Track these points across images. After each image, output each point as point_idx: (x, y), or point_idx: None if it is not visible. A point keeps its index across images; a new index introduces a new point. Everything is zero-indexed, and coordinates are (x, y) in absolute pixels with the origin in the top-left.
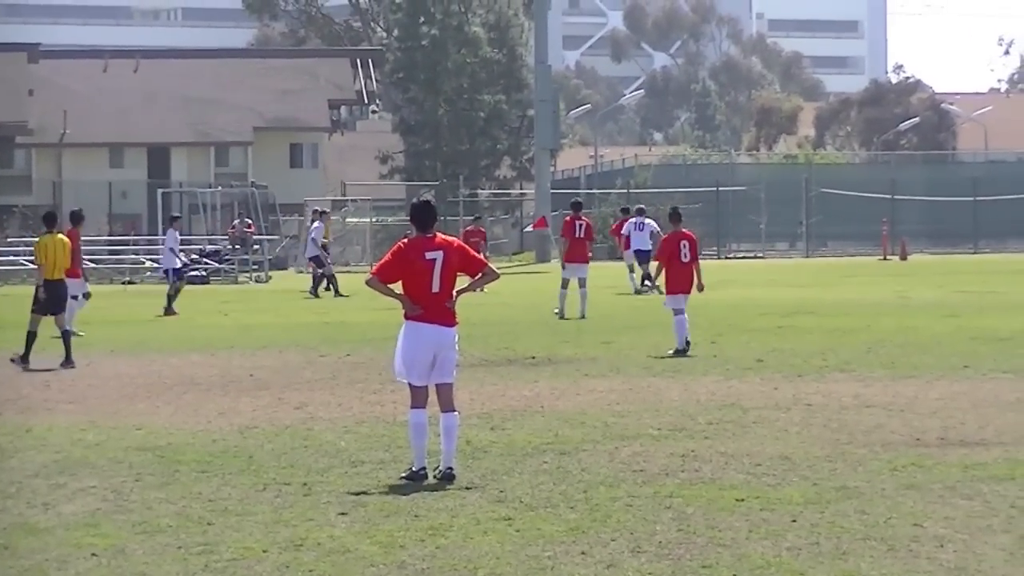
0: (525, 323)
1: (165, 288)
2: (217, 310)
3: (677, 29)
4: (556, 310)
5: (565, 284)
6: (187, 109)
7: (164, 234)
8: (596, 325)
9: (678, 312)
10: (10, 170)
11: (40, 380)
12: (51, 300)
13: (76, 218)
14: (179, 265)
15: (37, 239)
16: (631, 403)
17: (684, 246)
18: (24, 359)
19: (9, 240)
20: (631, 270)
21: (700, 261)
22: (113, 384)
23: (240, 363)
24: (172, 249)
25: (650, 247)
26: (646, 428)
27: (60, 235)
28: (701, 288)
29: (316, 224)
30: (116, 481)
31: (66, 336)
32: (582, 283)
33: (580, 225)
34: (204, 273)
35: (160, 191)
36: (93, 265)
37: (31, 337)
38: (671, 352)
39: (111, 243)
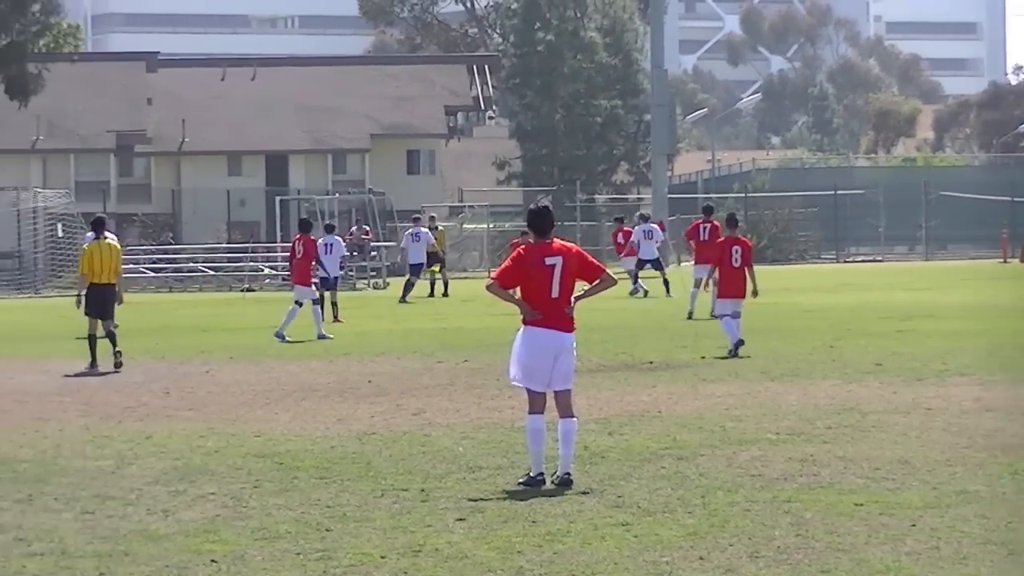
0: (642, 328)
1: (282, 295)
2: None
3: (794, 32)
4: (688, 310)
5: (697, 284)
6: (304, 116)
7: (324, 243)
8: (713, 329)
9: (724, 316)
10: (130, 178)
11: (159, 387)
12: (98, 304)
13: (306, 226)
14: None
15: (83, 247)
16: (749, 407)
17: (735, 251)
18: (93, 363)
19: (130, 248)
20: (635, 278)
21: (756, 266)
22: (232, 391)
23: (358, 369)
24: (342, 257)
25: (657, 256)
26: (764, 432)
27: (109, 241)
28: (755, 293)
29: (422, 230)
30: (235, 487)
31: (112, 336)
32: (705, 284)
33: (705, 228)
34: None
35: (278, 198)
36: (213, 272)
37: (91, 341)
38: (727, 354)
39: (230, 250)
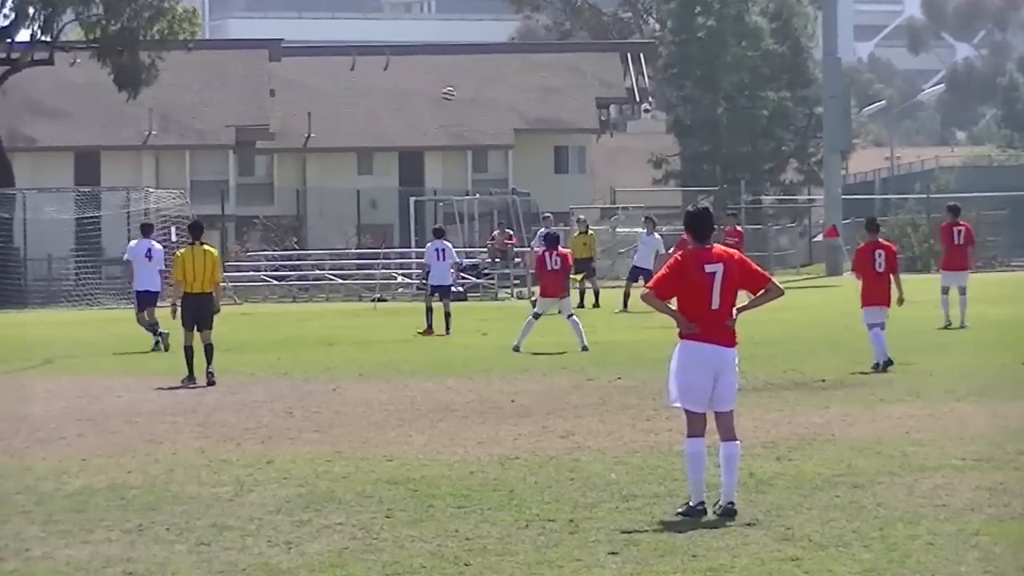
0: (814, 342)
1: (418, 305)
2: (475, 329)
3: (981, 17)
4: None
5: (945, 291)
6: (442, 110)
7: (436, 248)
8: (894, 343)
9: (873, 327)
10: (251, 178)
11: (282, 407)
12: (193, 314)
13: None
14: (445, 282)
15: (177, 252)
16: (931, 430)
17: (879, 255)
18: (189, 377)
19: (250, 254)
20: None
21: (901, 274)
22: (362, 411)
23: (500, 387)
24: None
25: (651, 266)
26: (949, 458)
27: (205, 247)
28: (900, 301)
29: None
30: (365, 517)
31: (209, 350)
32: (962, 291)
33: (959, 231)
34: (461, 289)
35: (412, 199)
36: (341, 280)
37: (187, 353)
38: (870, 369)
39: (360, 256)
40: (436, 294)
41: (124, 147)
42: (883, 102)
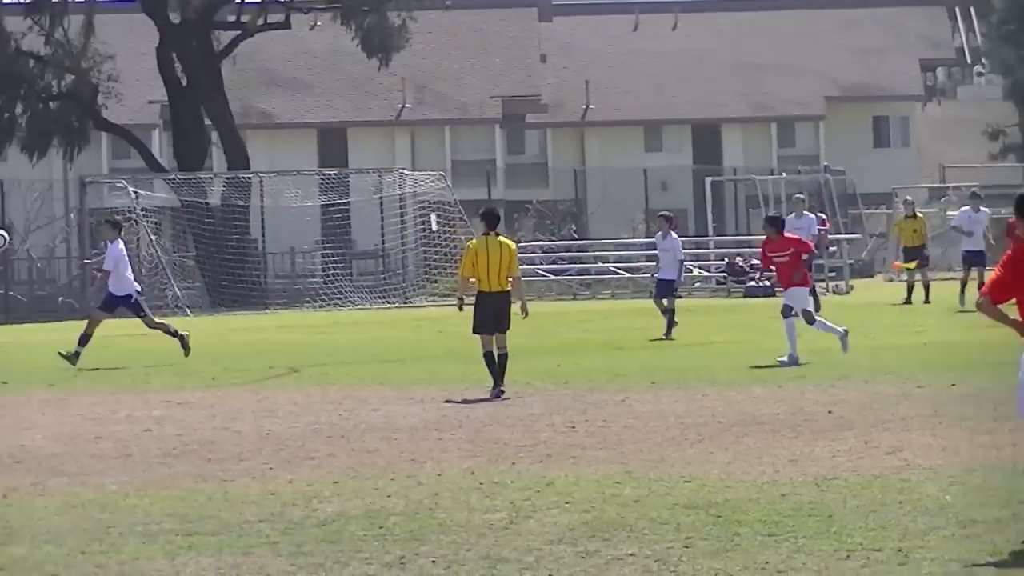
0: None
1: (716, 302)
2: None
3: None
4: None
5: None
6: (741, 76)
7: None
8: None
9: None
10: (520, 156)
11: (563, 421)
12: (490, 317)
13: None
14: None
15: (468, 243)
16: None
17: None
18: (496, 388)
19: (522, 245)
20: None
21: None
22: (655, 425)
23: (815, 396)
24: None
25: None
26: None
27: (501, 238)
28: None
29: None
30: (660, 547)
31: (503, 360)
32: None
33: None
34: (768, 284)
35: (709, 179)
36: (628, 274)
37: (489, 359)
38: None
39: (649, 246)
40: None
41: (374, 123)
42: None
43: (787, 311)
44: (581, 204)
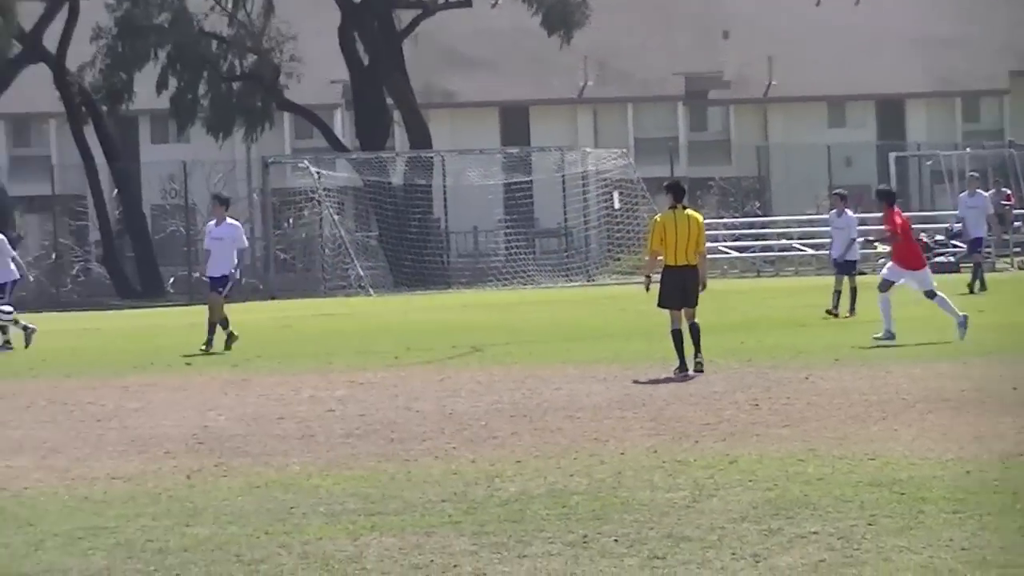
0: None
1: None
2: (975, 306)
3: None
4: None
5: None
6: (924, 50)
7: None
8: None
9: None
10: (703, 133)
11: (746, 398)
12: (677, 292)
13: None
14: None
15: (655, 218)
16: None
17: None
18: (681, 366)
19: (704, 221)
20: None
21: None
22: (838, 402)
23: (1002, 371)
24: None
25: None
26: None
27: (689, 211)
28: None
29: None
30: (844, 525)
31: (695, 330)
32: None
33: None
34: (953, 259)
35: (893, 155)
36: (812, 251)
37: (676, 337)
38: None
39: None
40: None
41: (556, 101)
42: None
43: (884, 286)
44: (764, 181)
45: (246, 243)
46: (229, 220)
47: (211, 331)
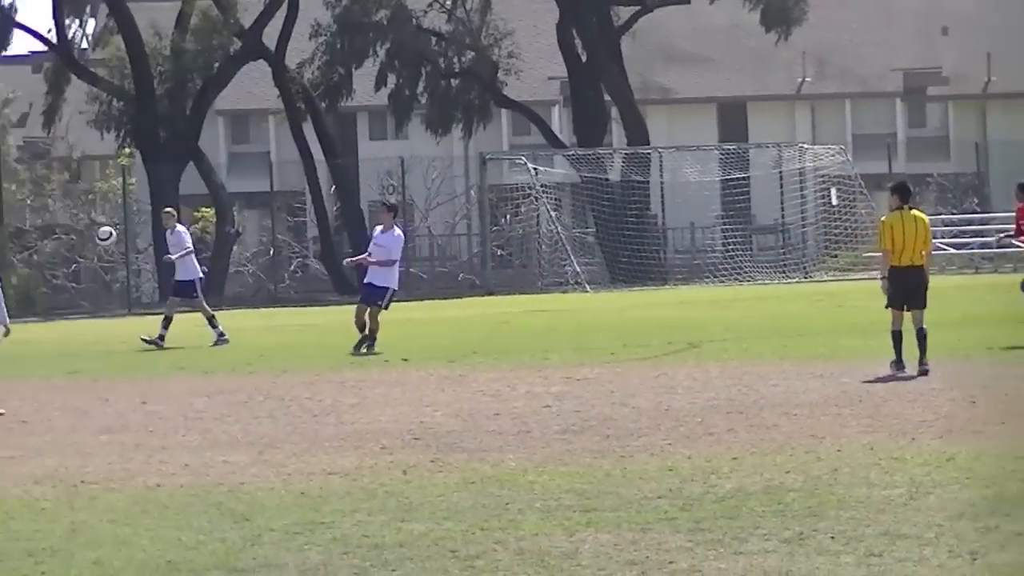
0: None
1: None
2: None
3: None
4: None
5: None
6: None
7: None
8: None
9: None
10: (922, 130)
11: (963, 396)
12: (903, 292)
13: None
14: None
15: (883, 218)
16: None
17: None
18: (898, 362)
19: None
20: None
21: None
22: None
23: None
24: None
25: None
26: None
27: (915, 212)
28: None
29: None
30: None
31: (921, 336)
32: None
33: None
34: None
35: None
36: None
37: (896, 337)
38: None
39: None
40: None
41: (774, 97)
42: None
43: None
44: (983, 177)
45: (396, 257)
46: (396, 230)
47: (370, 339)
